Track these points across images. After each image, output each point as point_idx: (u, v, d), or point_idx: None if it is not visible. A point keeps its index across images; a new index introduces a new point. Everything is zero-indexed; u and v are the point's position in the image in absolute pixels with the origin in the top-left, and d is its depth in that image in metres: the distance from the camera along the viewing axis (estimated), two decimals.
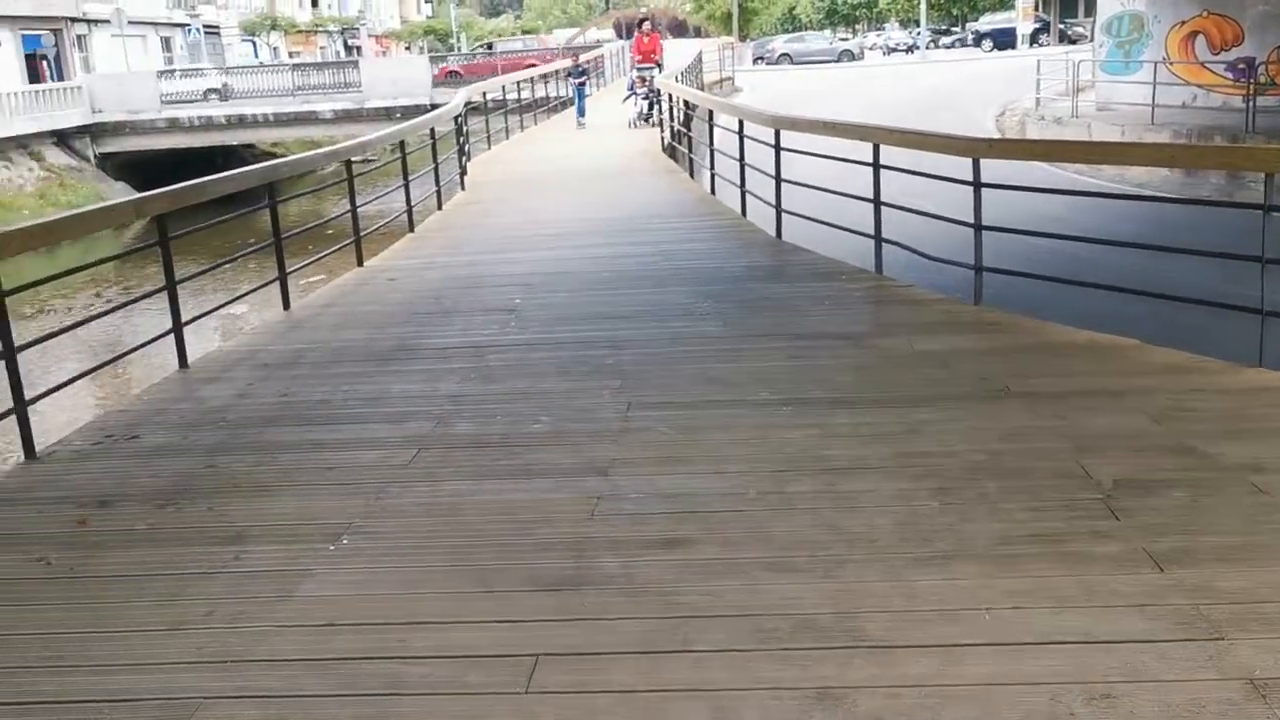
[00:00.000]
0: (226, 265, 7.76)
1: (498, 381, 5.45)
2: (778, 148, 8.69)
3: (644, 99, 18.42)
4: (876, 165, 7.21)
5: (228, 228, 8.22)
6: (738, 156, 9.82)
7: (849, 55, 55.03)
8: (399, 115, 33.74)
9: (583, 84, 20.37)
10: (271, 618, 3.10)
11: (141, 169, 32.72)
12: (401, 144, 10.16)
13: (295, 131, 34.62)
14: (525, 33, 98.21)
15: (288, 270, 7.36)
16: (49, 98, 31.23)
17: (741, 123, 9.84)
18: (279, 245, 7.23)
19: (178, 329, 5.91)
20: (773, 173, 8.74)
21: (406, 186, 10.08)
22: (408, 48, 78.58)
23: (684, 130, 14.76)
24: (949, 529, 3.46)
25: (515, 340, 6.26)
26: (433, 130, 11.31)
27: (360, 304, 7.51)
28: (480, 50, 43.81)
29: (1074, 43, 43.51)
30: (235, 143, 35.24)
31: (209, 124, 32.86)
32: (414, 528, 3.73)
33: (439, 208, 11.45)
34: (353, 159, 8.74)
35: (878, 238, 7.37)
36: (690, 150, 14.28)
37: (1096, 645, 2.74)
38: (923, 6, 56.75)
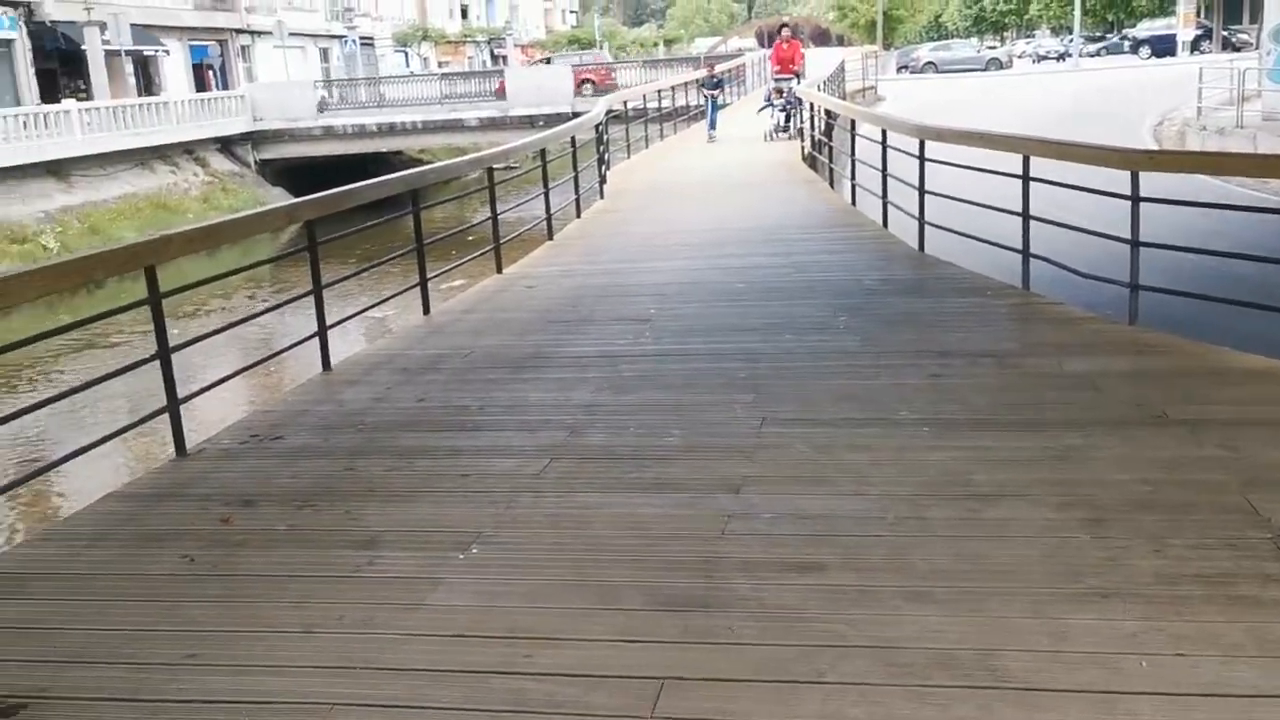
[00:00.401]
0: (371, 269, 7.90)
1: (630, 392, 5.42)
2: (922, 158, 8.47)
3: (780, 110, 17.90)
4: (1026, 177, 6.94)
5: (375, 232, 8.43)
6: (880, 167, 9.61)
7: (997, 63, 53.58)
8: (541, 123, 34.31)
9: (716, 96, 19.67)
10: (401, 626, 3.12)
11: (297, 174, 34.09)
12: (542, 152, 10.28)
13: (442, 139, 35.51)
14: (667, 42, 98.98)
15: (429, 275, 7.49)
16: (214, 106, 32.80)
17: (884, 132, 9.63)
18: (421, 251, 7.37)
19: (322, 332, 6.07)
20: (916, 184, 8.51)
21: (546, 194, 10.18)
22: (548, 60, 79.92)
23: (824, 140, 14.54)
24: (1102, 565, 3.26)
25: (649, 350, 6.22)
26: (573, 138, 11.41)
27: (498, 310, 7.60)
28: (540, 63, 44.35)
29: (1238, 50, 41.38)
30: (385, 149, 36.37)
31: (361, 131, 33.98)
32: (543, 539, 3.71)
33: (578, 215, 11.54)
34: (494, 166, 8.86)
35: (1025, 252, 7.09)
36: (831, 160, 14.07)
37: (1270, 700, 2.52)
38: (1076, 13, 54.85)
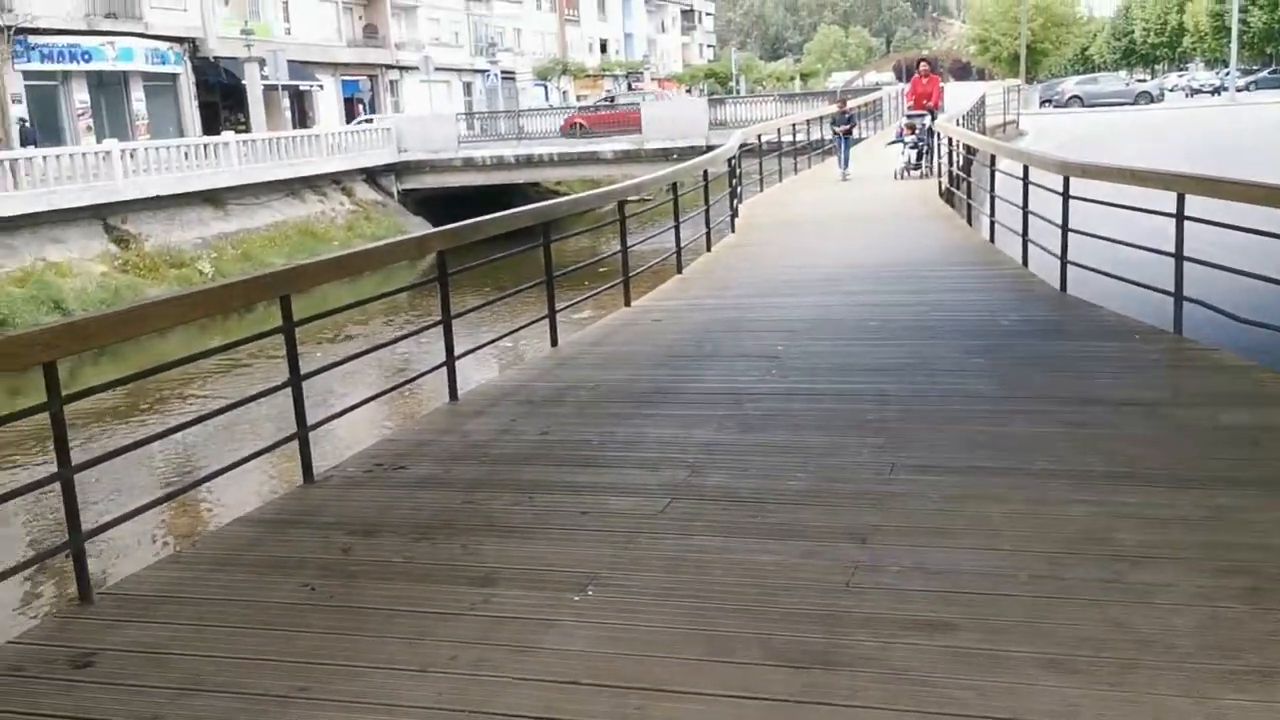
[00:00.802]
0: (501, 300, 7.97)
1: (755, 431, 5.30)
2: (1066, 195, 8.14)
3: (912, 148, 17.20)
4: (1180, 216, 6.59)
5: (508, 262, 8.49)
6: (1021, 203, 9.29)
7: (1147, 97, 51.70)
8: (675, 156, 34.49)
9: (849, 132, 18.76)
10: (513, 669, 3.07)
11: (437, 204, 35.01)
12: (674, 185, 10.27)
13: (577, 171, 36.03)
14: (803, 76, 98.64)
15: (558, 307, 7.52)
16: (362, 138, 34.01)
17: (1026, 168, 9.31)
18: (550, 283, 7.41)
19: (450, 362, 6.13)
20: (1059, 221, 8.19)
21: (677, 228, 10.15)
22: (688, 90, 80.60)
23: (962, 174, 14.19)
24: (1264, 640, 3.00)
25: (775, 389, 6.09)
26: (705, 172, 11.38)
27: (625, 344, 7.57)
28: (603, 103, 44.43)
29: None
30: (523, 180, 37.10)
31: (500, 163, 34.75)
32: (659, 583, 3.62)
33: (708, 249, 11.49)
34: (626, 199, 8.87)
35: (1178, 295, 6.72)
36: (969, 196, 13.71)
37: None
38: (1233, 45, 52.59)
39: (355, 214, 31.81)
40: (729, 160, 12.72)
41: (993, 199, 11.03)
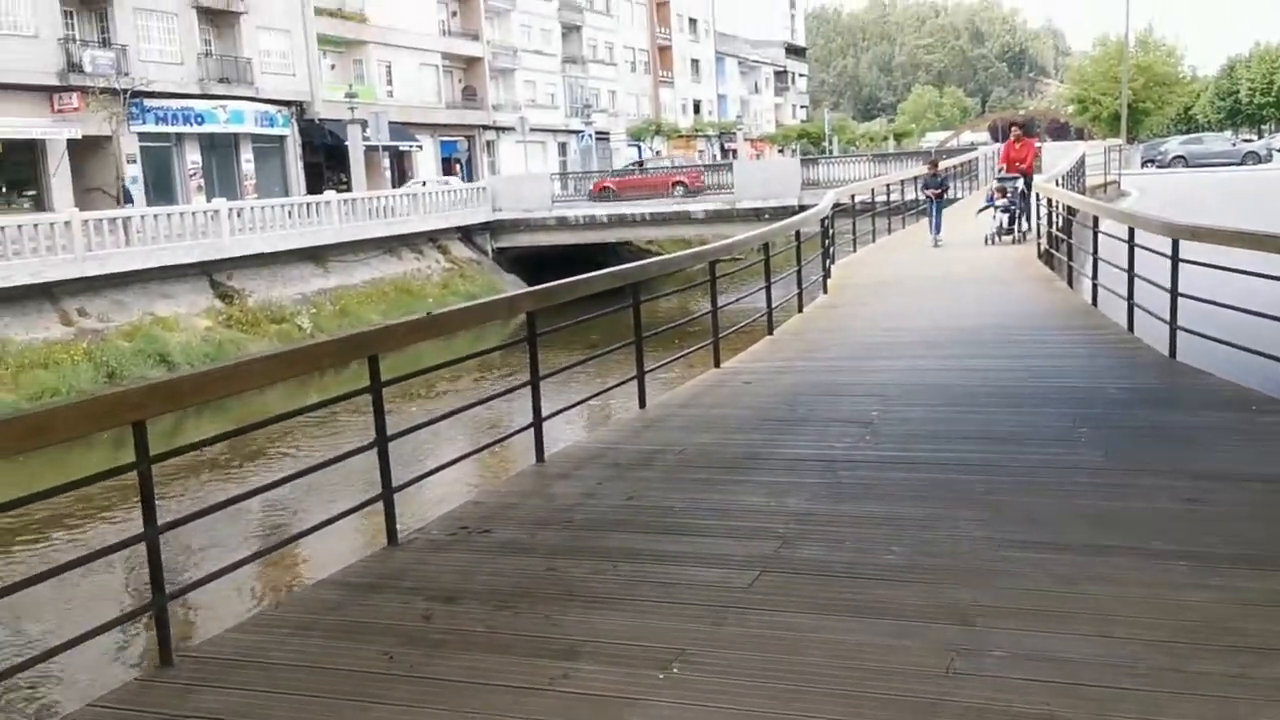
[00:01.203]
0: (589, 360, 7.91)
1: (848, 501, 5.11)
2: (1175, 258, 7.82)
3: (1003, 211, 16.28)
4: None
5: (596, 320, 8.44)
6: (1125, 266, 8.97)
7: (1254, 157, 50.21)
8: (767, 216, 34.43)
9: (940, 195, 17.46)
10: None
11: (529, 261, 35.49)
12: (766, 245, 10.16)
13: (669, 230, 36.22)
14: (897, 136, 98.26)
15: (647, 369, 7.43)
16: (458, 197, 34.71)
17: (1132, 230, 9.00)
18: (639, 344, 7.32)
19: (537, 424, 6.07)
20: (1166, 285, 7.86)
21: (768, 288, 10.03)
22: (781, 150, 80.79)
23: (1062, 236, 13.83)
24: None
25: (870, 456, 5.90)
26: (797, 232, 11.25)
27: (714, 406, 7.44)
28: (632, 166, 44.54)
29: None
30: (614, 240, 37.40)
31: (592, 222, 35.11)
32: (746, 663, 3.46)
33: (800, 310, 11.33)
34: (718, 260, 8.79)
35: None
36: (1070, 257, 13.33)
37: None
38: None
39: (450, 271, 32.37)
40: (822, 220, 12.57)
41: (1096, 261, 10.69)
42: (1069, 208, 13.35)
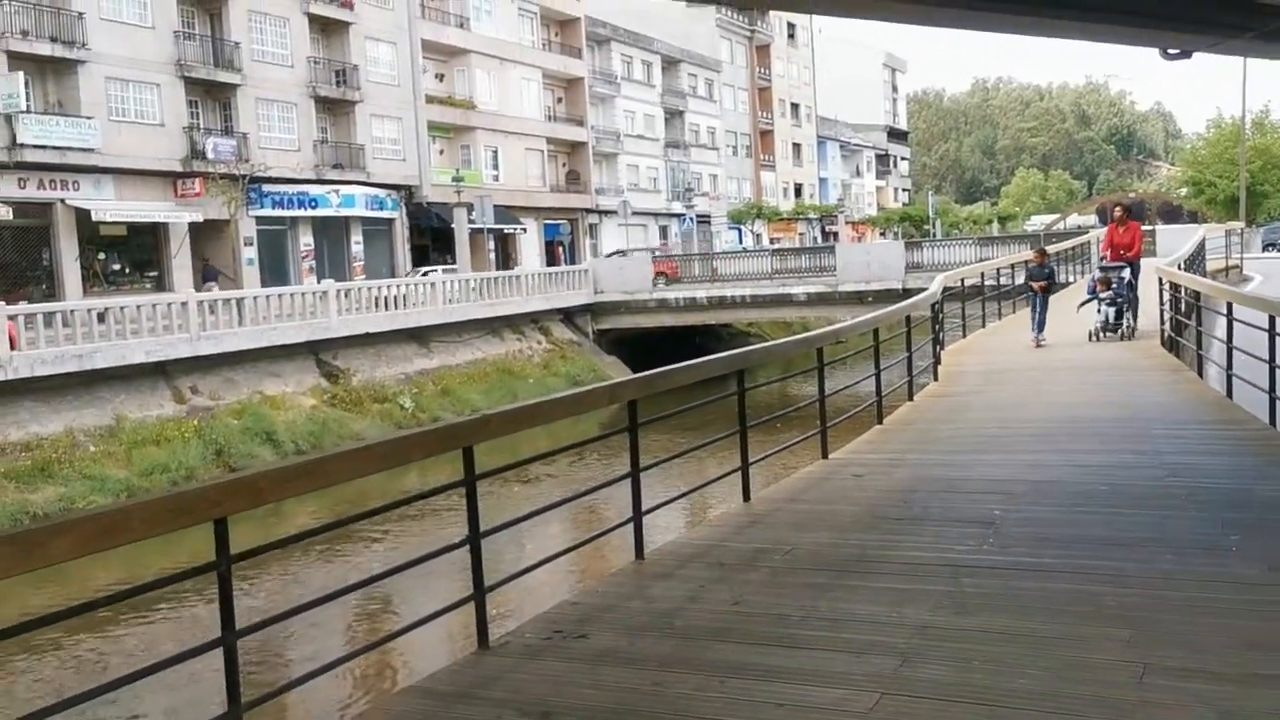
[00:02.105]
0: (692, 451, 7.57)
1: (974, 614, 4.69)
2: None
3: (1109, 305, 14.56)
4: None
5: (693, 402, 8.15)
6: (1266, 357, 8.38)
7: None
8: (870, 299, 33.95)
9: (1048, 287, 15.28)
10: None
11: (630, 343, 35.50)
12: (875, 331, 9.79)
13: (770, 313, 35.96)
14: (1001, 219, 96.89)
15: (751, 459, 7.10)
16: (561, 279, 35.03)
17: (1273, 319, 8.42)
18: (744, 434, 7.01)
19: (637, 518, 5.77)
20: None
21: (878, 376, 9.64)
22: (882, 233, 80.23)
23: (1187, 321, 13.14)
24: None
25: (995, 562, 5.45)
26: (908, 317, 10.86)
27: (823, 501, 7.05)
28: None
29: None
30: (715, 322, 37.24)
31: (692, 304, 35.03)
32: None
33: (910, 398, 10.89)
34: (826, 345, 8.46)
35: None
36: (1199, 346, 12.64)
37: None
38: None
39: (551, 353, 32.52)
40: (932, 305, 12.16)
41: (1230, 350, 10.06)
42: (1195, 293, 12.71)
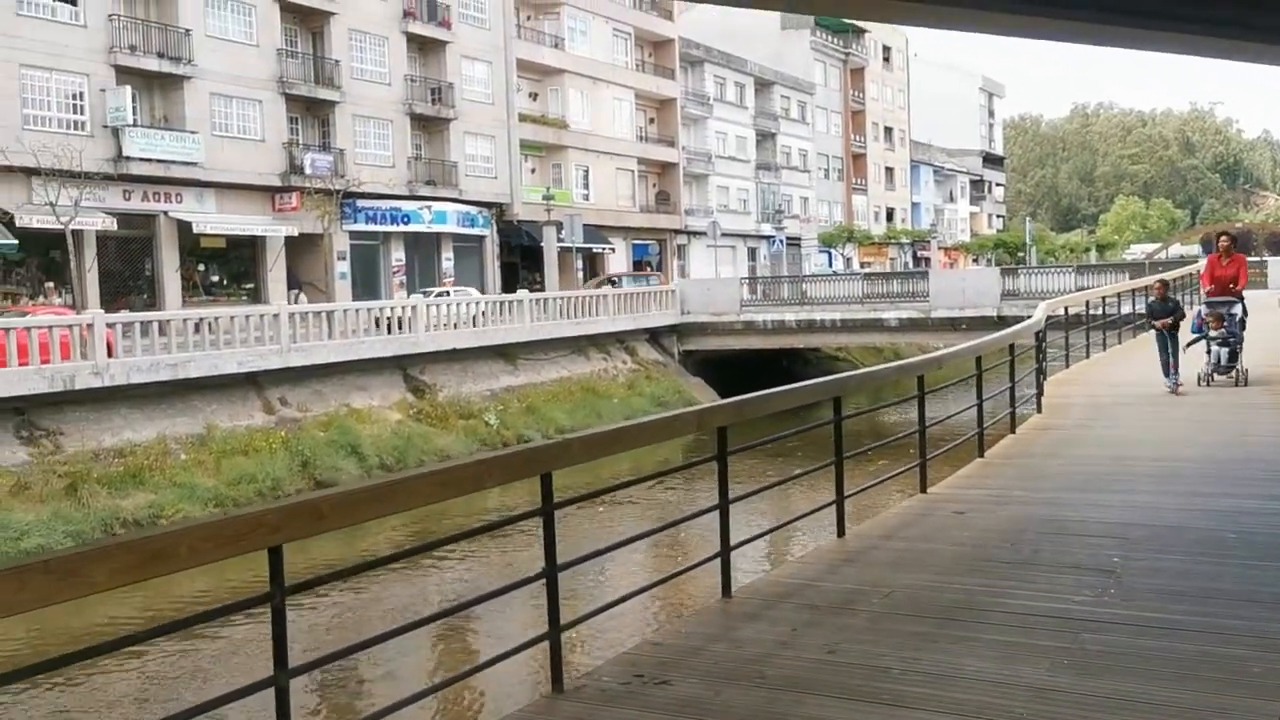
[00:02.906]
0: (785, 483, 7.19)
1: (1098, 676, 4.23)
2: None
3: (1220, 345, 12.97)
4: None
5: (783, 428, 7.75)
6: None
7: None
8: (964, 326, 33.06)
9: (1174, 327, 13.07)
10: None
11: (715, 365, 35.11)
12: (978, 359, 9.29)
13: (860, 338, 35.28)
14: (1100, 247, 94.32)
15: (846, 493, 6.69)
16: (648, 299, 34.81)
17: None
18: (839, 465, 6.61)
19: (725, 553, 5.42)
20: None
21: (980, 406, 9.13)
22: (975, 260, 78.63)
23: None
24: None
25: (1118, 617, 4.96)
26: (1011, 346, 10.32)
27: (922, 540, 6.61)
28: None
29: None
30: (802, 345, 36.64)
31: (781, 327, 34.51)
32: None
33: (1012, 431, 10.33)
34: (925, 373, 8.00)
35: None
36: None
37: None
38: None
39: (636, 372, 32.28)
40: (1036, 333, 11.59)
41: None
42: None
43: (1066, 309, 15.37)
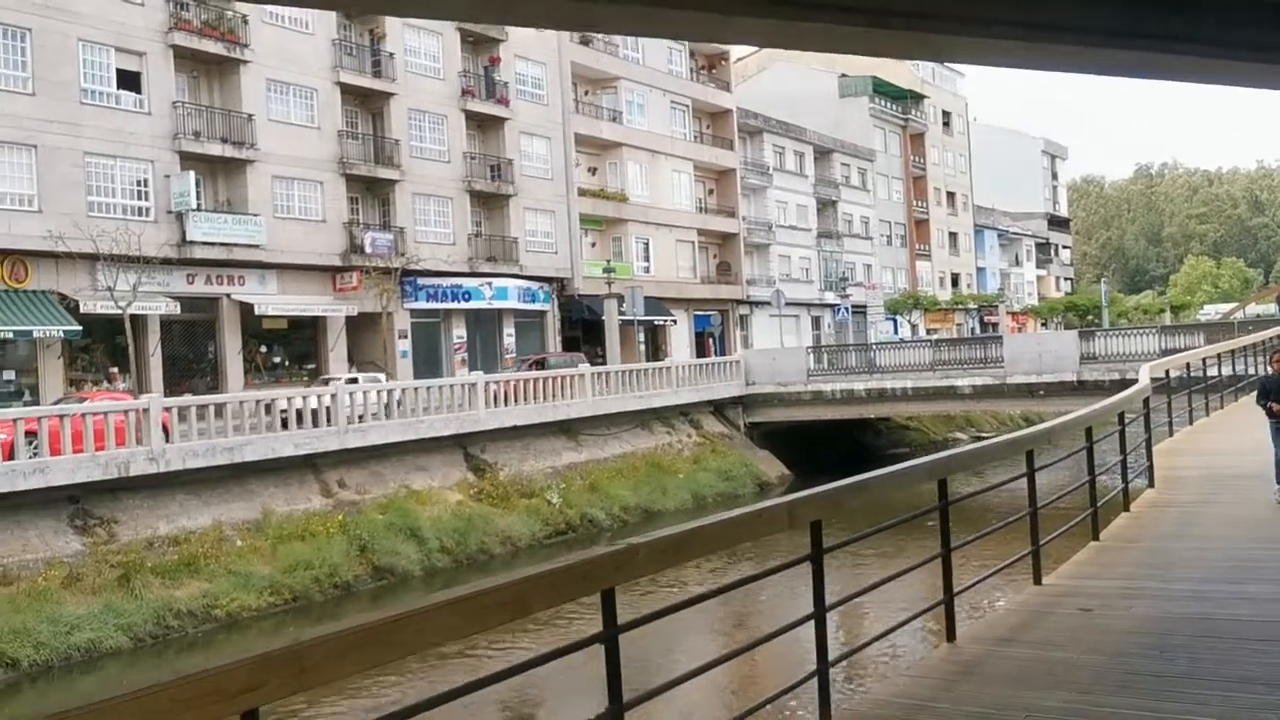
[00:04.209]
0: (885, 583, 6.27)
1: None
2: None
3: None
4: None
5: (880, 510, 6.84)
6: None
7: None
8: (1041, 392, 31.79)
9: None
10: None
11: (783, 437, 34.05)
12: (1088, 430, 8.31)
13: (932, 406, 34.09)
14: (1175, 308, 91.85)
15: (955, 590, 5.79)
16: (711, 371, 34.01)
17: None
18: (947, 559, 5.72)
19: (823, 670, 4.55)
20: None
21: (1092, 482, 8.17)
22: (1044, 323, 76.79)
23: None
24: None
25: None
26: (1121, 415, 9.33)
27: (1048, 645, 5.66)
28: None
29: None
30: (873, 415, 35.49)
31: (850, 397, 33.44)
32: None
33: (1125, 508, 9.31)
34: (1035, 448, 7.09)
35: None
36: None
37: None
38: None
39: (701, 446, 31.39)
40: (1144, 400, 10.56)
41: None
42: None
43: (1168, 372, 14.25)
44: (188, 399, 20.57)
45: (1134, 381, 13.19)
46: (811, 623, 4.56)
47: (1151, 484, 10.52)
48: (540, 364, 32.23)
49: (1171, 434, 14.09)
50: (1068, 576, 7.18)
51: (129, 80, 27.46)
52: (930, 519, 5.79)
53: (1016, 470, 7.22)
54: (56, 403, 21.98)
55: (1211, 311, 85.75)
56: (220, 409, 20.01)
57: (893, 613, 6.76)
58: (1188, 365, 15.78)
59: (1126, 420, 9.72)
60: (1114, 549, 7.99)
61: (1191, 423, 15.26)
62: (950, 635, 5.77)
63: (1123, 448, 9.26)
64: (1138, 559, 7.66)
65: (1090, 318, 73.30)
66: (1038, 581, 6.94)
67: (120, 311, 24.73)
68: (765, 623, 12.24)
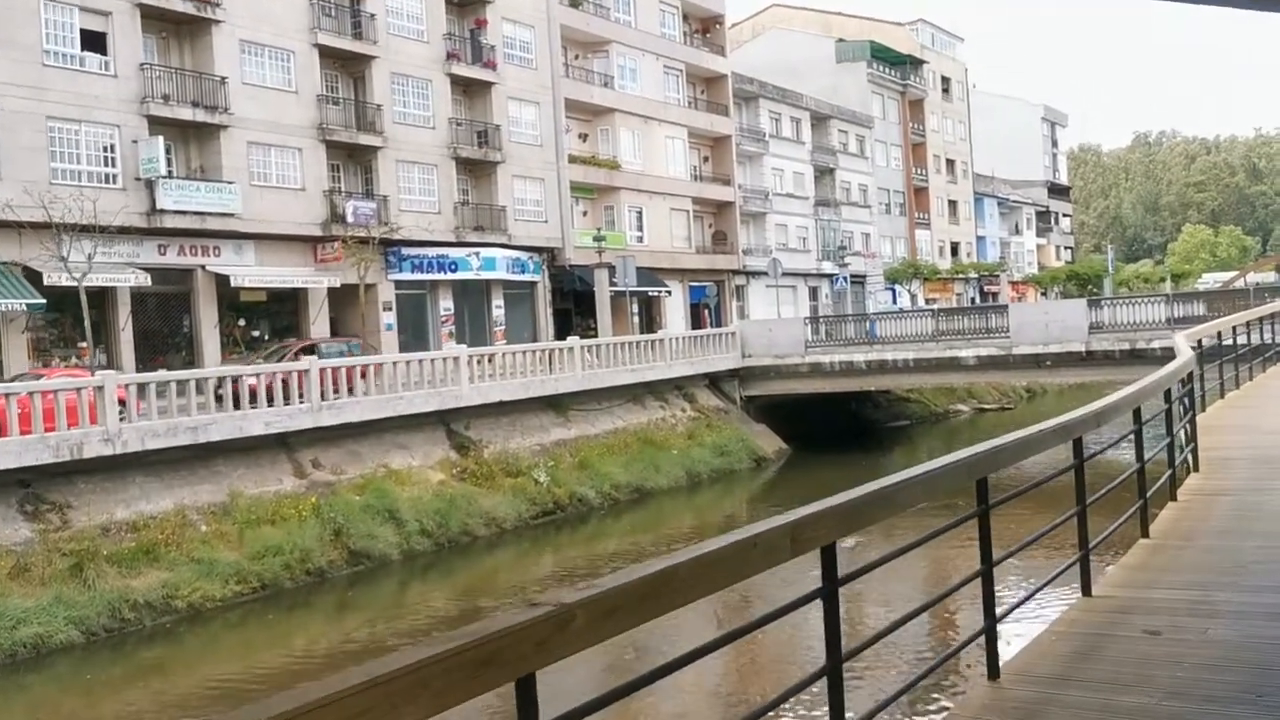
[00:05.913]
0: (908, 619, 5.14)
1: None
2: None
3: None
4: None
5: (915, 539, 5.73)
6: None
7: None
8: (1049, 363, 30.68)
9: None
10: None
11: (780, 410, 32.98)
12: (1137, 411, 7.16)
13: (935, 378, 33.01)
14: (1175, 276, 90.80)
15: (998, 616, 4.68)
16: (706, 343, 32.84)
17: None
18: (989, 578, 4.61)
19: (836, 710, 3.44)
20: None
21: (1141, 472, 7.04)
22: (1044, 292, 75.68)
23: None
24: None
25: None
26: (1167, 392, 8.18)
27: (1113, 683, 4.55)
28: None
29: None
30: (873, 388, 34.42)
31: (849, 369, 32.34)
32: None
33: (1172, 497, 8.19)
34: (1084, 434, 5.95)
35: None
36: None
37: None
38: None
39: (696, 421, 30.29)
40: (1189, 374, 9.40)
41: None
42: None
43: (1201, 341, 13.07)
44: (146, 375, 19.35)
45: (1144, 352, 12.25)
46: (825, 678, 3.43)
47: (1196, 468, 9.40)
48: (310, 350, 26.15)
49: (1204, 409, 12.95)
50: (1121, 585, 6.07)
51: (94, 41, 26.13)
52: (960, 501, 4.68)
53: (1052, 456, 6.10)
54: (15, 379, 20.81)
55: (1210, 280, 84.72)
56: (183, 385, 18.81)
57: (920, 640, 5.65)
58: (1219, 334, 14.63)
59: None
60: (1168, 548, 6.88)
61: (1223, 395, 14.13)
62: (993, 672, 4.66)
63: (1169, 428, 8.13)
64: (1198, 561, 6.55)
65: (1091, 287, 72.13)
66: (1087, 592, 5.83)
67: (88, 284, 23.49)
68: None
